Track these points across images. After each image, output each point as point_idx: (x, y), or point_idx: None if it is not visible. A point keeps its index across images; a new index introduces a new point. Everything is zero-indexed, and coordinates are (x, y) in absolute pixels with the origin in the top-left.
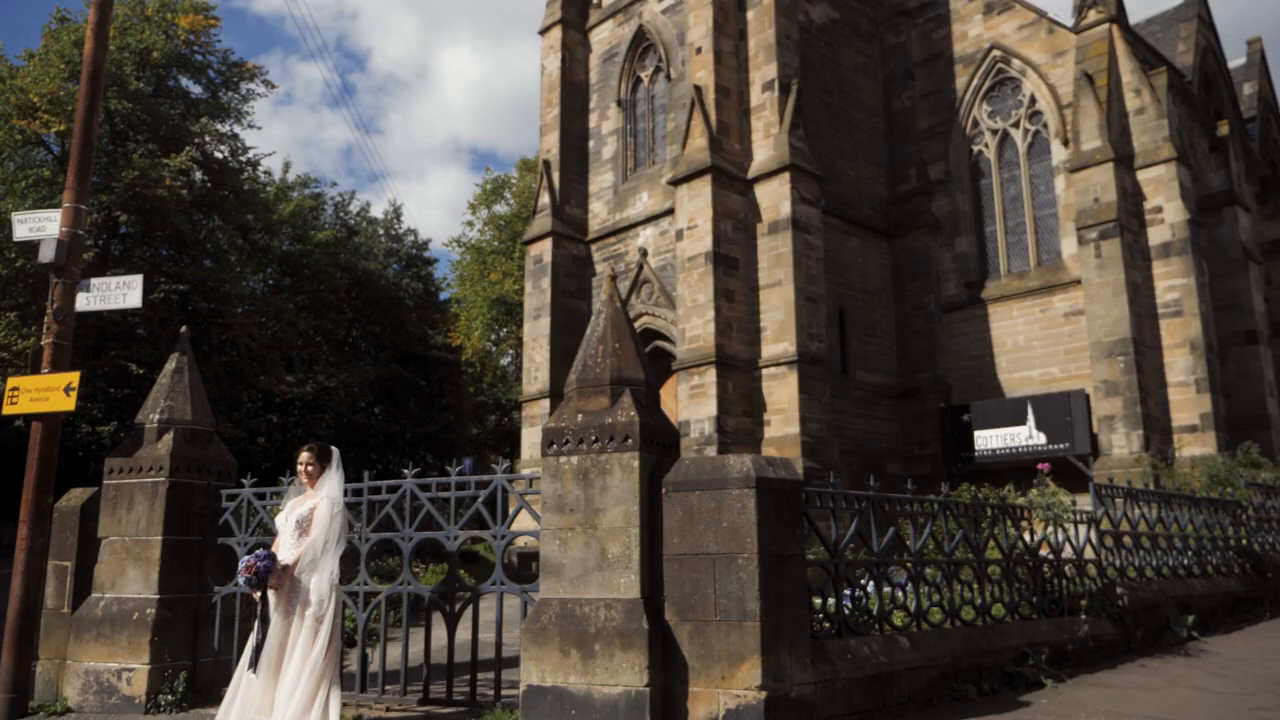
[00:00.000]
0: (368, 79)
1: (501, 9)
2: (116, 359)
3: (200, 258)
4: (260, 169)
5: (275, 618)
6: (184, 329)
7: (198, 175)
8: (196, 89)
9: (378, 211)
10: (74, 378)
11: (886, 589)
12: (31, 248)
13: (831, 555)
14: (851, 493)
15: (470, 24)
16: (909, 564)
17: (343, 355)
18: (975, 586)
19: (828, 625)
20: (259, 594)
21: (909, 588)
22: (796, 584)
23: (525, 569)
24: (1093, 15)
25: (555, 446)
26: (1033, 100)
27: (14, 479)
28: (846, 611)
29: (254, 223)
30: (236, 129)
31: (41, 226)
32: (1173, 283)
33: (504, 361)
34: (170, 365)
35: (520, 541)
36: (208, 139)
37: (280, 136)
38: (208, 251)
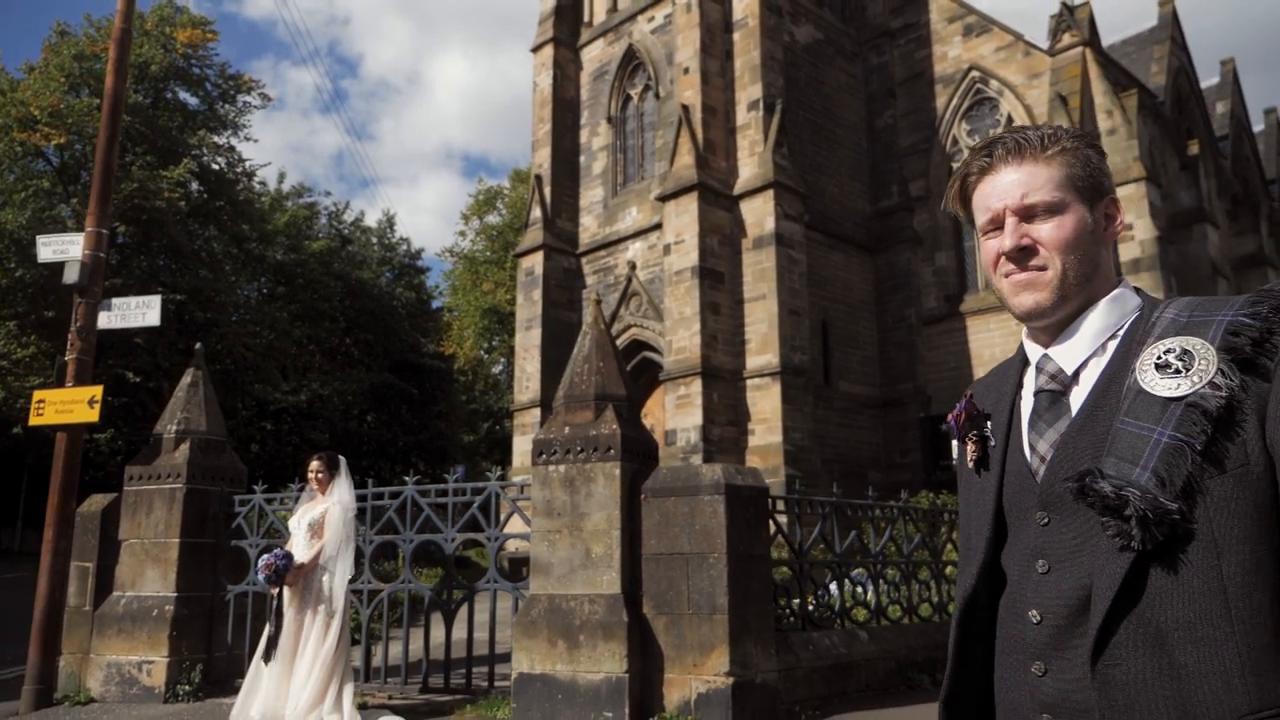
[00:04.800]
0: (360, 84)
1: (494, 15)
2: (114, 368)
3: (196, 267)
4: (256, 179)
5: (289, 613)
6: (198, 346)
7: (194, 186)
8: (194, 101)
9: (371, 219)
10: (97, 391)
11: (849, 587)
12: (32, 258)
13: (796, 556)
14: (815, 498)
15: (463, 30)
16: (870, 565)
17: (336, 363)
18: (933, 585)
19: (792, 620)
20: (276, 590)
21: (869, 586)
22: (762, 581)
23: (516, 574)
24: (1067, 39)
25: (544, 456)
26: (1009, 120)
27: (12, 485)
28: (810, 607)
29: (249, 233)
30: (233, 141)
31: (65, 249)
32: None
33: (496, 370)
34: (186, 379)
35: (511, 547)
36: (205, 151)
37: (272, 142)
38: (203, 261)
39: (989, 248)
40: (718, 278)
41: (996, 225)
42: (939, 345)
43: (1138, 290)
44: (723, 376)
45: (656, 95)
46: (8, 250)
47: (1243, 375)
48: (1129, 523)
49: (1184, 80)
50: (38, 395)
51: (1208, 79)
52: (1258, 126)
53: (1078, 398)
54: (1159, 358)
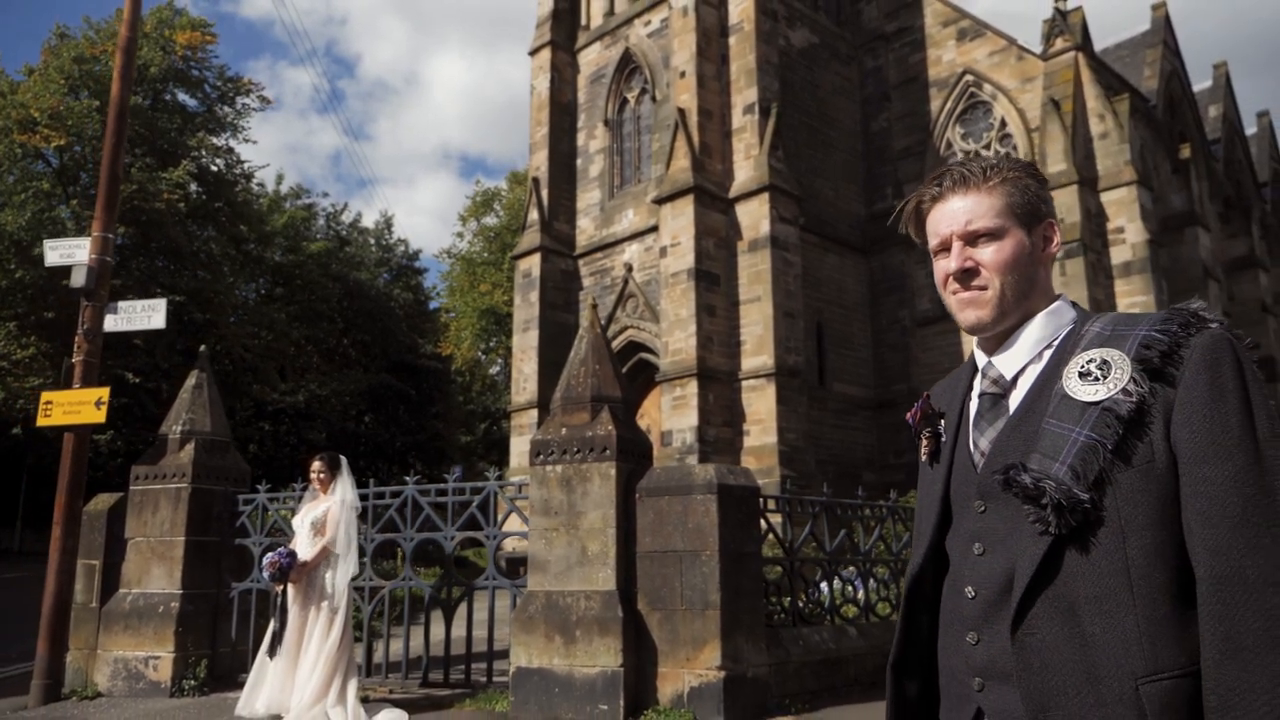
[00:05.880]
0: (357, 85)
1: (491, 16)
2: (113, 369)
3: (195, 269)
4: (254, 181)
5: (293, 609)
6: (202, 348)
7: (193, 188)
8: (193, 103)
9: (368, 220)
10: (104, 392)
11: (840, 585)
12: (32, 259)
13: (787, 554)
14: (806, 497)
15: (460, 31)
16: (860, 563)
17: (334, 364)
18: None
19: (783, 616)
20: (280, 587)
21: (860, 585)
22: (753, 578)
23: (513, 573)
24: (1059, 43)
25: (542, 456)
26: (1003, 123)
27: (12, 486)
28: (801, 604)
29: (247, 234)
30: (232, 142)
31: (71, 253)
32: (1134, 300)
33: (493, 371)
34: (191, 381)
35: (508, 547)
36: (203, 153)
37: (269, 142)
38: (202, 262)
39: (939, 268)
40: (713, 280)
41: (945, 248)
42: (933, 347)
43: (1074, 305)
44: (718, 378)
45: (653, 98)
46: (8, 252)
47: (1152, 383)
48: (1046, 510)
49: (1176, 84)
50: (46, 396)
51: (1201, 83)
52: (1250, 130)
53: (1015, 400)
54: (1082, 367)
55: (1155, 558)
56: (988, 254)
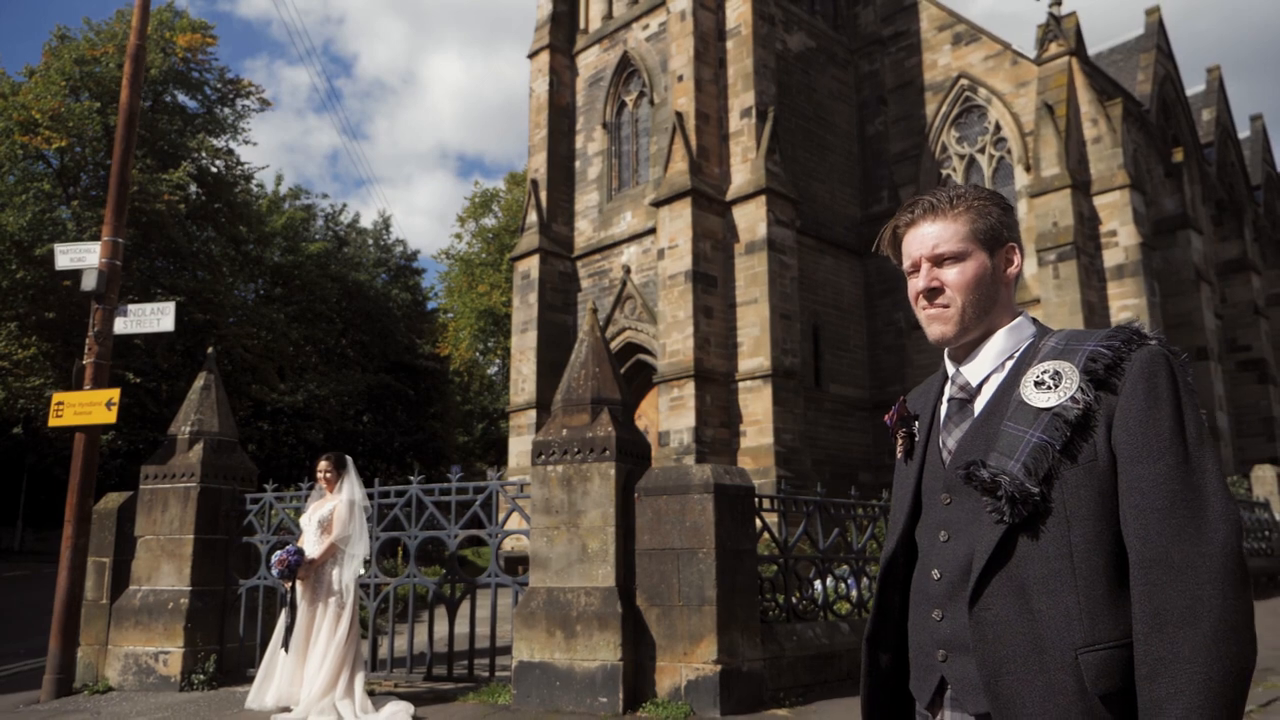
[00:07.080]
0: (354, 84)
1: (489, 16)
2: (114, 369)
3: (195, 269)
4: (253, 182)
5: (302, 605)
6: (210, 350)
7: (193, 189)
8: (193, 105)
9: (366, 219)
10: (114, 394)
11: (832, 582)
12: (33, 260)
13: (782, 552)
14: (799, 497)
15: (458, 31)
16: (853, 561)
17: (333, 364)
18: None
19: (778, 612)
20: (289, 584)
21: (854, 584)
22: (748, 575)
23: (512, 572)
24: (1054, 48)
25: (543, 457)
26: (998, 127)
27: (13, 485)
28: (795, 600)
29: (247, 234)
30: (231, 144)
31: (82, 257)
32: (1126, 302)
33: (491, 371)
34: (199, 383)
35: (507, 546)
36: (203, 154)
37: (267, 141)
38: (202, 263)
39: (912, 286)
40: (710, 282)
41: (916, 269)
42: (927, 349)
43: (1035, 321)
44: (715, 379)
45: (651, 102)
46: (9, 252)
47: (1097, 391)
48: (1001, 501)
49: (1170, 88)
50: (57, 397)
51: (1194, 86)
52: (1243, 133)
53: (980, 405)
54: (1037, 377)
55: (1095, 544)
56: (952, 275)
